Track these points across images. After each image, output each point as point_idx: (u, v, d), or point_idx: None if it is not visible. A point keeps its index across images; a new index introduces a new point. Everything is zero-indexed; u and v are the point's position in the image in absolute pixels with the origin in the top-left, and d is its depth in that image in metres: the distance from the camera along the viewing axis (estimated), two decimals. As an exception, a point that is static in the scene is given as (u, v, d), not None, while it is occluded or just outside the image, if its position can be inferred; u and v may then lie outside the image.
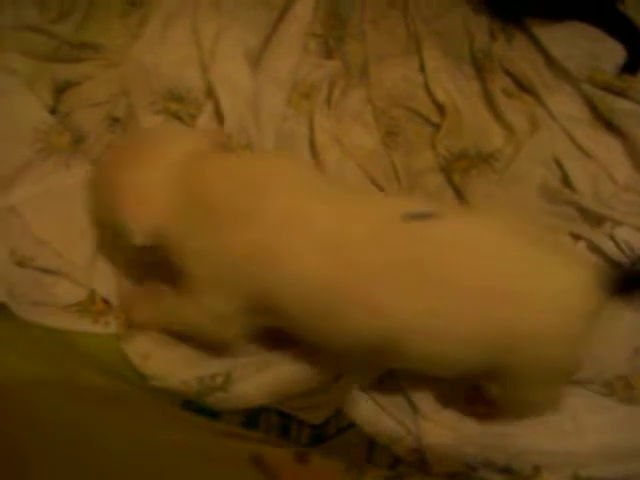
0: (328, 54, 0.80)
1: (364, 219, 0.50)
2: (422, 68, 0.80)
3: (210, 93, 0.73)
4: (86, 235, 0.68)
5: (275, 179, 0.52)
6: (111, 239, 0.64)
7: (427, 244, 0.49)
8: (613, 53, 0.81)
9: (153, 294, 0.60)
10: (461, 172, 0.73)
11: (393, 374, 0.61)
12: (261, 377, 0.60)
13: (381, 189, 0.70)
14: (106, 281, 0.67)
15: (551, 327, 0.48)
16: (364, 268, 0.49)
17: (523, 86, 0.80)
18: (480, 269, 0.48)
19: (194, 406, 0.61)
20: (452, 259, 0.48)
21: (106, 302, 0.66)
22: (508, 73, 0.81)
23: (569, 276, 0.49)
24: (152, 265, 0.61)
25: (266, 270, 0.50)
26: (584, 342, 0.51)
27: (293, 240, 0.49)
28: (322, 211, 0.50)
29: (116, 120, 0.73)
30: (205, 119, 0.71)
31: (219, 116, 0.71)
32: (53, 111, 0.74)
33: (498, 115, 0.78)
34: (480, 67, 0.81)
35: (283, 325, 0.54)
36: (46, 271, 0.67)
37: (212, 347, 0.60)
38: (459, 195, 0.72)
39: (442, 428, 0.58)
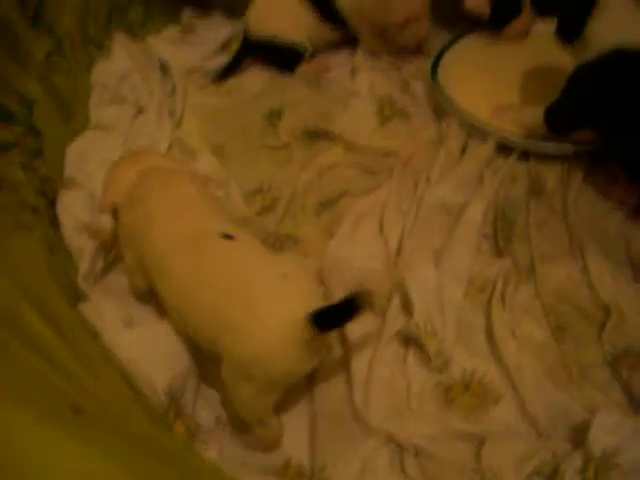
0: (498, 253, 0.99)
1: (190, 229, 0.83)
2: (585, 268, 0.97)
3: (397, 286, 0.93)
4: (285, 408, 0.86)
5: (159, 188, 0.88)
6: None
7: (216, 254, 0.79)
8: None
9: None
10: (628, 368, 0.88)
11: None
12: None
13: (555, 379, 0.85)
14: (300, 447, 0.83)
15: (255, 337, 0.72)
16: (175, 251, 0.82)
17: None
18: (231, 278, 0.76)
19: None
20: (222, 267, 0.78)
21: (299, 468, 0.82)
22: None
23: (286, 304, 0.73)
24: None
25: (140, 243, 0.85)
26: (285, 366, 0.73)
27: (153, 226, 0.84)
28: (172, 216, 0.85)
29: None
30: (394, 310, 0.91)
31: (406, 306, 0.91)
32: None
33: (659, 316, 0.93)
34: (638, 268, 0.98)
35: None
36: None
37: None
38: (626, 389, 0.86)
39: None
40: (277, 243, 1.03)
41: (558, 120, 1.09)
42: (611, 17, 0.98)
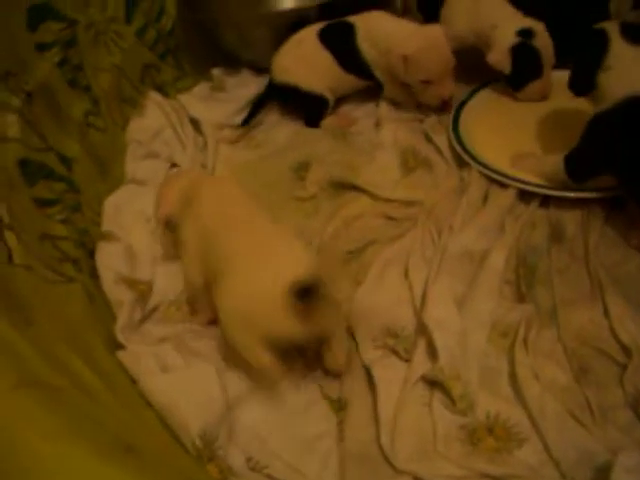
0: (521, 298, 1.04)
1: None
2: (606, 312, 1.02)
3: (422, 331, 0.99)
4: (314, 450, 0.92)
5: (211, 199, 1.05)
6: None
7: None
8: None
9: None
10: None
11: None
12: None
13: (578, 421, 0.89)
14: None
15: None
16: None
17: None
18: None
19: None
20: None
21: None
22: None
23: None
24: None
25: (205, 242, 1.00)
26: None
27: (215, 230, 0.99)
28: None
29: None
30: (419, 354, 0.97)
31: (431, 352, 0.96)
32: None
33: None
34: (658, 311, 1.02)
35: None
36: (278, 480, 0.90)
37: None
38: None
39: None
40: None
41: (578, 167, 1.15)
42: (623, 67, 1.06)
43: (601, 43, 1.08)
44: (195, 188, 1.07)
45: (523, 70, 1.35)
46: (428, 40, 1.31)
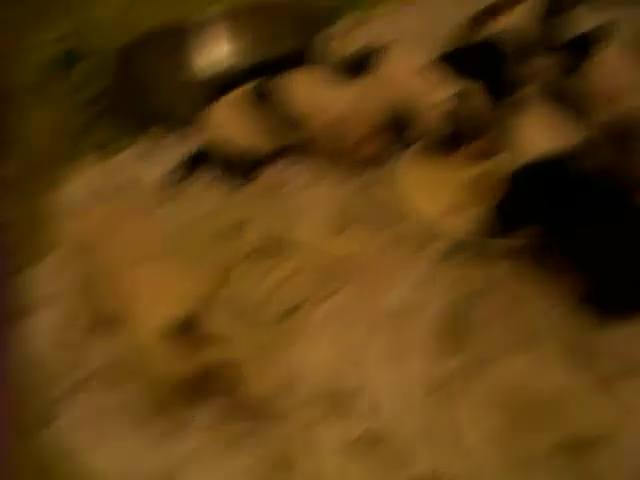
0: (456, 349, 1.07)
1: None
2: (538, 358, 1.05)
3: (359, 389, 1.01)
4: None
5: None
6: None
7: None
8: None
9: None
10: (581, 452, 0.93)
11: None
12: None
13: (517, 467, 0.92)
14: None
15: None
16: None
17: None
18: None
19: None
20: None
21: None
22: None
23: None
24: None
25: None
26: None
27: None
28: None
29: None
30: (357, 412, 0.99)
31: (369, 410, 0.98)
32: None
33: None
34: (586, 355, 1.05)
35: None
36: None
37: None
38: (582, 473, 0.92)
39: None
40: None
41: (506, 218, 1.20)
42: (535, 124, 1.15)
43: (512, 106, 1.20)
44: (113, 218, 1.13)
45: (454, 136, 1.37)
46: (354, 102, 1.34)
